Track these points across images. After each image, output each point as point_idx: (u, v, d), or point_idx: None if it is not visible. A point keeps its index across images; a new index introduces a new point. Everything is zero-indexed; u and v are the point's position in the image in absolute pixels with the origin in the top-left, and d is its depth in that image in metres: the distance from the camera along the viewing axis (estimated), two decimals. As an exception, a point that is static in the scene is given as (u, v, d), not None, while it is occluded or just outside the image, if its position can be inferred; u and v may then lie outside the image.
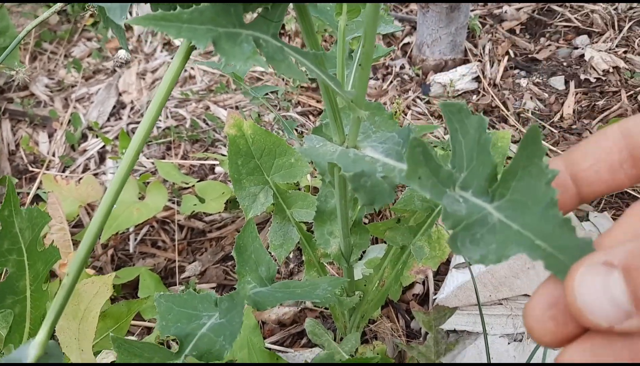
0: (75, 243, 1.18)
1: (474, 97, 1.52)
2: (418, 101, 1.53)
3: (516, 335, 0.91)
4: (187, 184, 1.24)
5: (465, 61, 1.63)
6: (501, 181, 0.30)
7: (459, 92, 1.54)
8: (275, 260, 0.85)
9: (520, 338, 0.91)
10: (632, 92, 1.45)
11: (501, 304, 0.96)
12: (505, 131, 0.80)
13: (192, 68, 1.67)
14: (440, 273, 1.13)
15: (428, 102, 1.53)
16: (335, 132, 0.58)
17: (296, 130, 1.40)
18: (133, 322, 1.04)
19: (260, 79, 1.60)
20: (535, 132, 0.28)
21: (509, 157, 0.99)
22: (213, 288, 1.19)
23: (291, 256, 1.23)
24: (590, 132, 1.38)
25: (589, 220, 1.19)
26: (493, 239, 0.28)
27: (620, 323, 0.21)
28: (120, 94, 1.62)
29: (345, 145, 0.59)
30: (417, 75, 1.61)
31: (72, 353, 0.75)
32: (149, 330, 1.07)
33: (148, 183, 1.22)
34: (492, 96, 1.50)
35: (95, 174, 1.40)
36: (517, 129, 1.42)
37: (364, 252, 1.17)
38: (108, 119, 1.55)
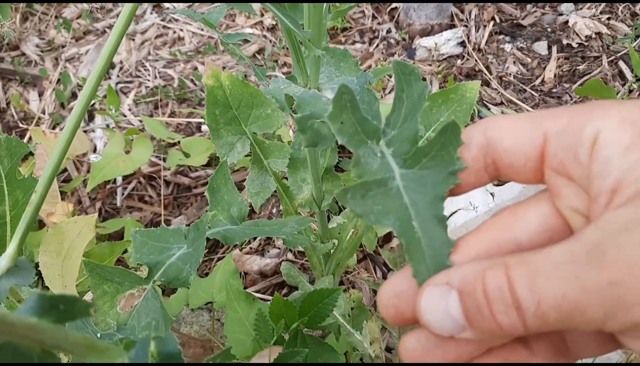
0: (63, 194, 1.22)
1: (459, 61, 1.55)
2: (403, 64, 1.55)
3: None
4: (172, 140, 1.28)
5: (452, 26, 1.65)
6: (414, 153, 0.32)
7: (444, 56, 1.56)
8: (252, 208, 0.89)
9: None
10: (612, 57, 1.48)
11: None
12: (475, 81, 0.83)
13: (181, 30, 1.69)
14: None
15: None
16: (299, 74, 0.61)
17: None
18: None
19: (247, 42, 1.62)
20: (455, 126, 0.30)
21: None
22: (198, 240, 1.23)
23: (274, 211, 1.27)
24: (570, 96, 1.41)
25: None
26: (382, 202, 0.30)
27: (458, 334, 0.26)
28: (110, 55, 1.64)
29: (308, 86, 0.62)
30: (404, 39, 1.63)
31: (56, 289, 0.79)
32: (134, 278, 1.11)
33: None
34: (476, 60, 1.53)
35: (85, 131, 1.43)
36: (499, 92, 1.45)
37: (343, 206, 1.21)
38: (98, 79, 1.58)
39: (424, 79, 1.47)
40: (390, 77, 1.51)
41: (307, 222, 0.73)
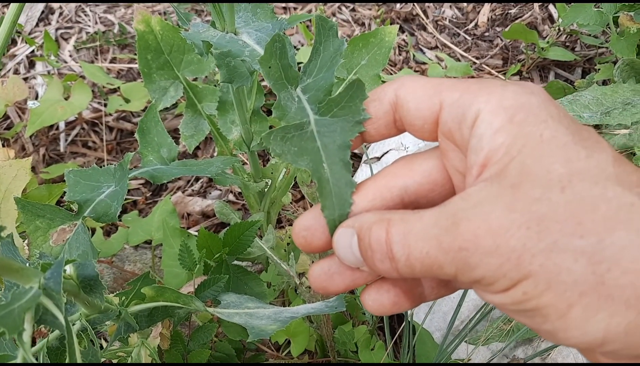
0: (6, 141, 1.23)
1: (397, 5, 1.58)
2: (343, 8, 1.58)
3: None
4: (112, 85, 1.29)
5: (392, -30, 1.67)
6: (327, 103, 0.36)
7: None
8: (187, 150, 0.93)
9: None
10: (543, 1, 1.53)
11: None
12: (393, 26, 0.88)
13: (122, -27, 1.67)
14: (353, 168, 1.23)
15: (353, 10, 1.58)
16: (216, 19, 0.64)
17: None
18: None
19: (190, -14, 1.62)
20: (360, 83, 0.34)
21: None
22: (141, 184, 1.27)
23: (215, 153, 1.31)
24: (501, 39, 1.46)
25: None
26: (298, 144, 0.34)
27: (360, 267, 0.32)
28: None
29: (225, 31, 0.66)
30: (345, -17, 1.65)
31: (-5, 230, 0.83)
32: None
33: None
34: (414, 5, 1.56)
35: (25, 78, 1.43)
36: (434, 36, 1.49)
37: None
38: (37, 25, 1.56)
39: (363, 24, 1.50)
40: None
41: (232, 161, 0.77)
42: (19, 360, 0.35)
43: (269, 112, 1.24)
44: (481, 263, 0.26)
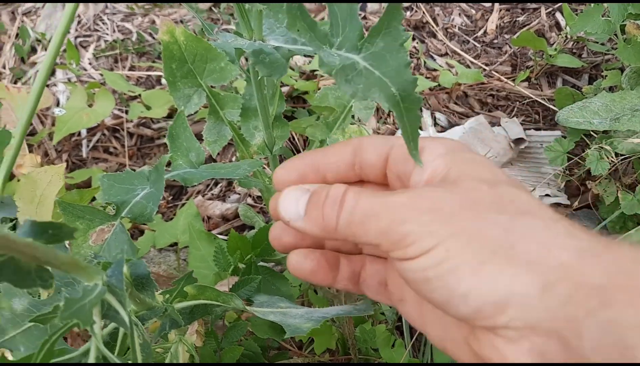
0: (30, 147, 1.27)
1: (408, 13, 1.62)
2: (355, 16, 1.61)
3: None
4: (133, 93, 1.33)
5: (402, -22, 1.70)
6: (368, 37, 0.38)
7: (394, 8, 1.63)
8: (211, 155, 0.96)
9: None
10: (550, 9, 1.57)
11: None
12: (407, 33, 0.91)
13: (138, -17, 1.71)
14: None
15: (364, 18, 1.62)
16: (244, 28, 0.68)
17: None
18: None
19: (204, -5, 1.66)
20: (396, 5, 0.36)
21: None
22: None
23: (234, 159, 1.35)
24: (510, 47, 1.50)
25: (500, 125, 1.33)
26: (361, 81, 0.37)
27: (293, 222, 0.36)
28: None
29: (253, 39, 0.69)
30: (356, -9, 1.69)
31: (31, 233, 0.86)
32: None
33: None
34: (424, 12, 1.60)
35: (47, 86, 1.46)
36: (444, 43, 1.53)
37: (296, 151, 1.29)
38: (56, 33, 1.60)
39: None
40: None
41: (258, 164, 0.81)
42: (92, 348, 0.38)
43: (289, 118, 1.28)
44: (414, 216, 0.31)
